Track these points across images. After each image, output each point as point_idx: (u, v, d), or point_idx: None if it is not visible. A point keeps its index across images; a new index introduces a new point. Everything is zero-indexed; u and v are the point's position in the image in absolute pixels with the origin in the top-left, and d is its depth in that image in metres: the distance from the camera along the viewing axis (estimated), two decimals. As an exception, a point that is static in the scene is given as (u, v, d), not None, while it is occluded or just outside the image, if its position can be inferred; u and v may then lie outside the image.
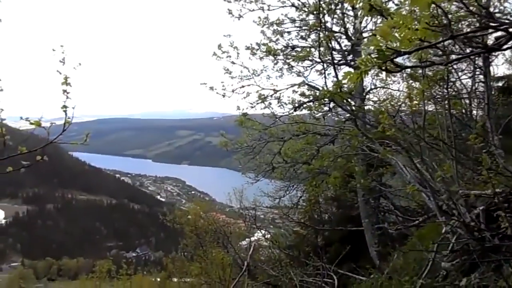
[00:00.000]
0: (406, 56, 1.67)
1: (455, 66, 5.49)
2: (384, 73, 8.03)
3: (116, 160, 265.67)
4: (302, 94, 7.27)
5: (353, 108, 4.91)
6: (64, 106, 2.77)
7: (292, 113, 7.72)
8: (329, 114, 8.58)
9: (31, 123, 2.68)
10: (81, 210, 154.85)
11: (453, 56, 3.27)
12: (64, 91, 2.79)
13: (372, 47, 1.36)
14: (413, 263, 6.20)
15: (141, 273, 18.02)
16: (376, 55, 1.36)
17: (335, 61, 7.05)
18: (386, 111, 4.53)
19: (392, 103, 6.29)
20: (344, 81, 5.14)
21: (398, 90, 7.93)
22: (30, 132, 3.55)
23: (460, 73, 6.93)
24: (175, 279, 14.05)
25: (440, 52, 2.98)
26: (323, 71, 7.52)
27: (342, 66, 7.95)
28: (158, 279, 15.45)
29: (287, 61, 7.63)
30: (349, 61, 7.86)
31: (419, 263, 5.90)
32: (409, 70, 4.76)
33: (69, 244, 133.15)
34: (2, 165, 2.99)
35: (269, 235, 9.52)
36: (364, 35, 7.92)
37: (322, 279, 7.13)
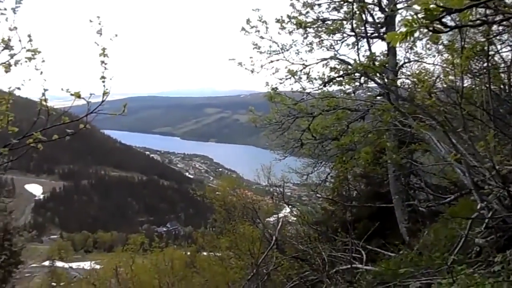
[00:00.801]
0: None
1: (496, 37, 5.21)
2: (418, 46, 7.75)
3: (146, 138, 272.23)
4: (333, 69, 7.13)
5: (386, 81, 4.78)
6: (103, 77, 2.85)
7: (322, 88, 7.61)
8: (360, 90, 8.41)
9: (72, 94, 2.77)
10: (113, 186, 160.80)
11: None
12: (102, 62, 2.86)
13: (418, 6, 1.30)
14: (444, 240, 6.12)
15: (172, 246, 18.67)
16: (423, 15, 1.31)
17: (368, 34, 6.84)
18: (422, 83, 4.40)
19: (426, 77, 6.08)
20: (378, 53, 5.00)
21: (433, 64, 7.63)
22: (64, 110, 3.66)
23: (500, 46, 6.58)
24: (205, 253, 14.50)
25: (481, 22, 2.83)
26: (355, 44, 7.33)
27: (374, 40, 7.71)
28: (188, 253, 15.96)
29: (318, 33, 7.45)
30: (382, 34, 7.61)
31: (451, 239, 5.82)
32: (446, 41, 4.57)
33: (103, 218, 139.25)
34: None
35: (296, 211, 9.59)
36: (399, 6, 7.61)
37: (351, 254, 7.16)
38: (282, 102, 7.12)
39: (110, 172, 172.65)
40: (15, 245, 3.87)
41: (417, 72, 6.27)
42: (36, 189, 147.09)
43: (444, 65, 7.39)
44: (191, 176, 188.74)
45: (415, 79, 6.32)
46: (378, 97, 7.02)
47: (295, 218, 12.41)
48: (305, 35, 7.93)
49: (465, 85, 5.05)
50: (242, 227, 9.12)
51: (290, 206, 9.17)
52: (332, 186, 11.08)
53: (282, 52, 8.09)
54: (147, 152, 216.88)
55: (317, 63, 7.67)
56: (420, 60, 8.15)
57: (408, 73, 8.10)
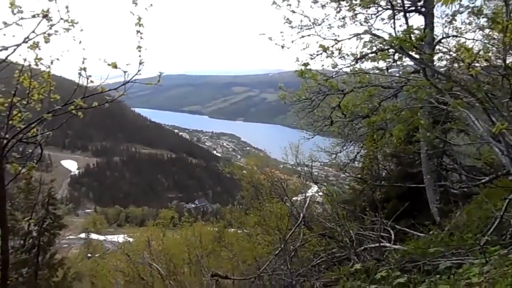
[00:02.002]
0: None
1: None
2: (458, 20, 7.38)
3: (174, 116, 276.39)
4: (366, 44, 6.92)
5: (423, 57, 4.60)
6: (139, 47, 2.89)
7: (354, 65, 7.41)
8: (393, 68, 8.14)
9: (109, 64, 2.83)
10: (144, 163, 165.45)
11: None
12: (138, 31, 2.90)
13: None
14: (477, 221, 5.98)
15: (200, 222, 19.14)
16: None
17: (405, 8, 6.54)
18: (461, 59, 4.21)
19: (465, 54, 5.81)
20: (416, 28, 4.81)
21: (473, 40, 7.25)
22: (102, 82, 3.74)
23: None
24: (232, 230, 14.81)
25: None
26: (390, 17, 7.05)
27: (411, 14, 7.38)
28: (216, 229, 16.32)
29: (352, 7, 7.21)
30: (419, 7, 7.27)
31: (484, 221, 5.68)
32: (490, 13, 4.33)
33: (134, 194, 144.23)
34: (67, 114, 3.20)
35: (324, 189, 9.57)
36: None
37: (379, 233, 7.11)
38: (313, 78, 6.99)
39: (141, 149, 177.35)
40: (58, 210, 4.11)
41: (456, 47, 5.98)
42: (71, 165, 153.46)
43: (485, 41, 7.03)
44: (219, 155, 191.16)
45: (453, 55, 6.05)
46: (413, 74, 6.78)
47: (322, 197, 12.41)
48: (338, 9, 7.70)
49: (507, 61, 4.81)
50: (269, 204, 9.21)
51: (318, 185, 9.15)
52: (361, 166, 10.95)
53: (314, 27, 7.92)
54: (176, 130, 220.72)
55: (349, 38, 7.45)
56: (459, 35, 7.77)
57: (446, 49, 7.76)
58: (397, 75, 6.59)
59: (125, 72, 2.90)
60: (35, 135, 2.30)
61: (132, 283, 9.28)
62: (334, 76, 7.53)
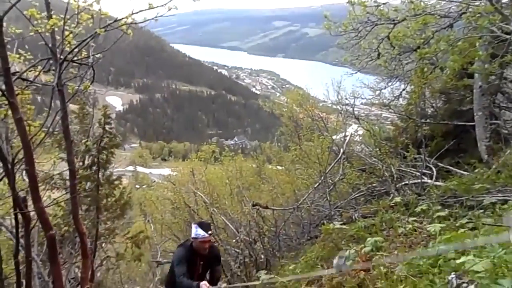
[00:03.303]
0: None
1: None
2: None
3: (213, 52, 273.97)
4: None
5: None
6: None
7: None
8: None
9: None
10: (184, 100, 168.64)
11: None
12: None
13: None
14: (529, 159, 5.75)
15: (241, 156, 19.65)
16: None
17: None
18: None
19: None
20: None
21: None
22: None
23: None
24: (271, 166, 15.16)
25: None
26: None
27: None
28: (255, 165, 16.71)
29: None
30: None
31: (537, 159, 5.45)
32: None
33: (176, 130, 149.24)
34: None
35: (366, 126, 9.41)
36: None
37: (421, 169, 7.04)
38: (362, 5, 6.55)
39: (181, 86, 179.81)
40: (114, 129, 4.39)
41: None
42: (116, 101, 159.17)
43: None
44: (258, 92, 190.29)
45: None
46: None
47: (363, 135, 12.23)
48: None
49: None
50: (310, 137, 9.25)
51: (359, 121, 9.00)
52: (406, 103, 10.56)
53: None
54: (215, 67, 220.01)
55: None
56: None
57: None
58: (457, 1, 6.00)
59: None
60: (87, 57, 2.38)
61: (178, 209, 9.93)
62: (385, 3, 7.01)
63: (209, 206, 8.63)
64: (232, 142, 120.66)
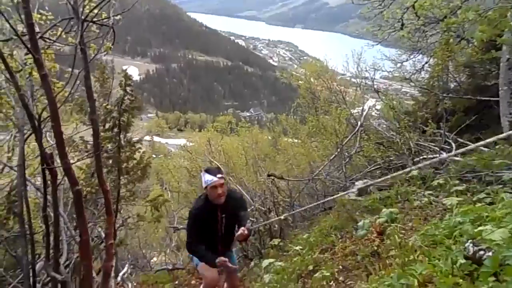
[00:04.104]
0: None
1: None
2: None
3: (230, 22, 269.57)
4: None
5: None
6: None
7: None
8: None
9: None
10: (200, 70, 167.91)
11: None
12: None
13: None
14: (554, 137, 5.58)
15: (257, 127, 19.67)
16: None
17: None
18: None
19: None
20: None
21: None
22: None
23: None
24: (287, 139, 15.13)
25: None
26: None
27: None
28: (271, 137, 16.72)
29: None
30: None
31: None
32: None
33: (192, 101, 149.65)
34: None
35: (385, 99, 9.24)
36: None
37: (439, 145, 6.95)
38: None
39: (197, 56, 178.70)
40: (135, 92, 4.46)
41: None
42: (132, 71, 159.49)
43: None
44: (275, 64, 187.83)
45: None
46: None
47: (382, 108, 12.03)
48: None
49: None
50: (328, 109, 9.17)
51: (379, 93, 8.83)
52: (428, 76, 10.30)
53: None
54: (232, 37, 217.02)
55: None
56: None
57: None
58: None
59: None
60: (108, 18, 2.36)
61: (195, 178, 10.11)
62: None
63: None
64: (248, 114, 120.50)
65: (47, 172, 1.94)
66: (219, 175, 3.76)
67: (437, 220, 3.65)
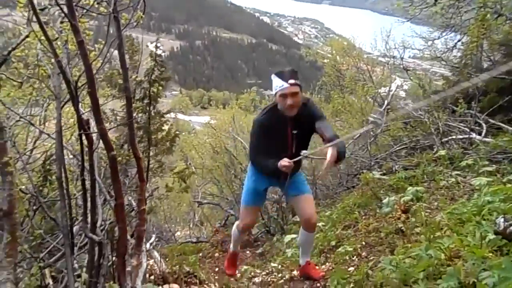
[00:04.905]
0: None
1: None
2: None
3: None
4: None
5: None
6: None
7: None
8: None
9: None
10: (224, 48, 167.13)
11: None
12: None
13: None
14: None
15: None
16: None
17: None
18: None
19: None
20: None
21: None
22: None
23: None
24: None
25: None
26: None
27: None
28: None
29: None
30: None
31: None
32: None
33: (216, 78, 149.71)
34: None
35: (414, 78, 8.99)
36: None
37: (469, 125, 6.76)
38: None
39: (221, 33, 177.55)
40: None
41: None
42: (154, 49, 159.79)
43: None
44: (300, 41, 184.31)
45: None
46: None
47: (410, 88, 11.75)
48: None
49: None
50: (354, 87, 9.01)
51: (408, 71, 8.60)
52: (460, 55, 9.93)
53: None
54: (257, 14, 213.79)
55: None
56: None
57: None
58: None
59: None
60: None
61: (219, 154, 10.22)
62: None
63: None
64: (272, 93, 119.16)
65: (83, 138, 2.02)
66: (292, 81, 2.92)
67: (465, 200, 3.60)
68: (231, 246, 4.13)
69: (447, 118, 7.10)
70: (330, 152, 2.58)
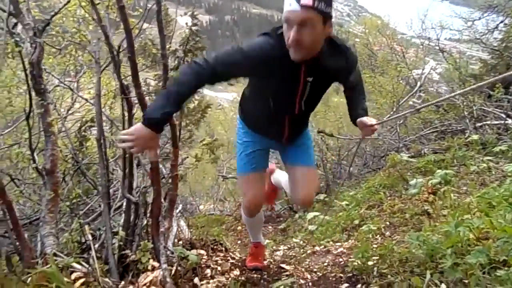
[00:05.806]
0: None
1: None
2: None
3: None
4: None
5: None
6: None
7: None
8: None
9: None
10: (254, 23, 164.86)
11: None
12: None
13: None
14: None
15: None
16: None
17: None
18: None
19: None
20: None
21: None
22: None
23: None
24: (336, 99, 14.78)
25: None
26: None
27: None
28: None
29: None
30: None
31: None
32: None
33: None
34: None
35: (450, 60, 8.67)
36: None
37: (505, 111, 6.51)
38: None
39: (251, 8, 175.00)
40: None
41: None
42: (187, 21, 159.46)
43: None
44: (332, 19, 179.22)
45: None
46: None
47: (444, 71, 11.31)
48: None
49: None
50: (386, 67, 8.80)
51: (444, 52, 8.29)
52: (502, 37, 9.47)
53: None
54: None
55: None
56: None
57: None
58: None
59: None
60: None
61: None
62: None
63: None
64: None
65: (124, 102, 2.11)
66: (307, 1, 1.69)
67: (496, 185, 3.52)
68: (250, 237, 3.00)
69: (482, 103, 6.86)
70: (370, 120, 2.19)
